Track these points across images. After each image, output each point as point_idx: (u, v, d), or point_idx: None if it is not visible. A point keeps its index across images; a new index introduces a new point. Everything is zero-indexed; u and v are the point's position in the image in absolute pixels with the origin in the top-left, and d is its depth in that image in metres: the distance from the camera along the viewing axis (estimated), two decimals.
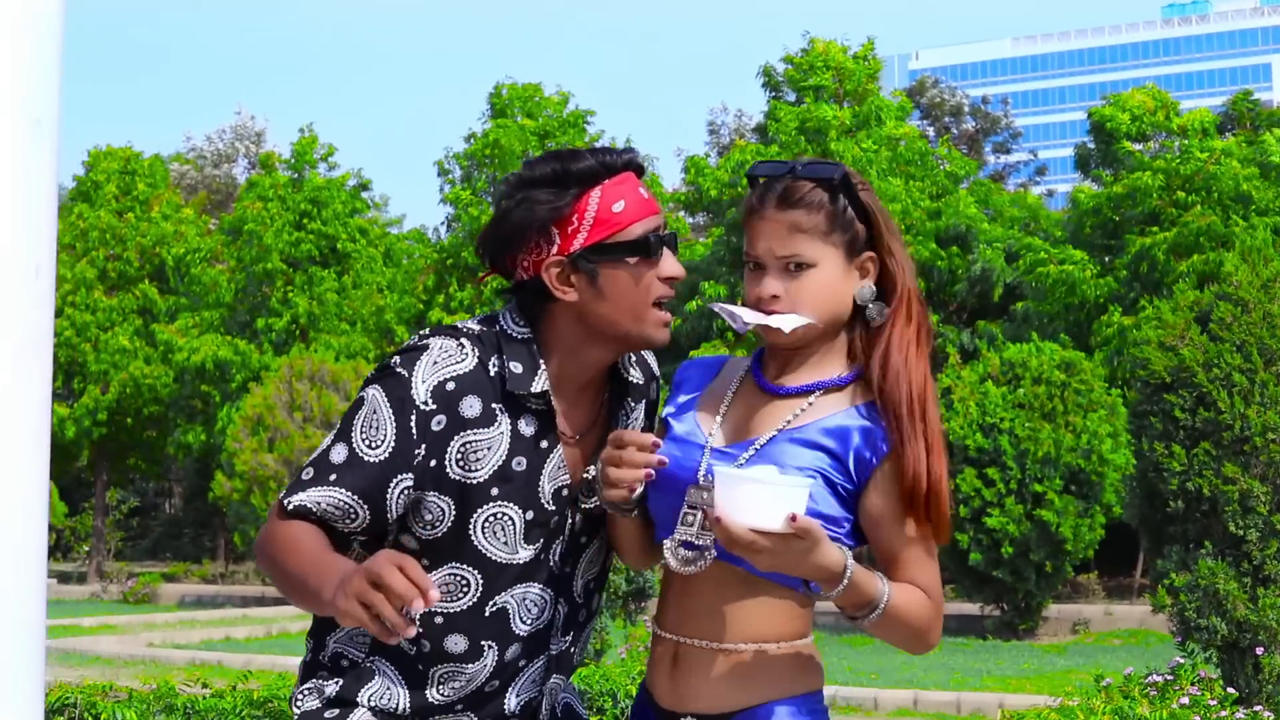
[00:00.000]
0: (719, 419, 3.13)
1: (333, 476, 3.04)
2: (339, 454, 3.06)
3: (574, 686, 3.61)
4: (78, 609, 31.61)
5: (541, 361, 3.15)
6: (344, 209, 38.60)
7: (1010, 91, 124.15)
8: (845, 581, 2.87)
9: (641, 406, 3.36)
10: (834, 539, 2.93)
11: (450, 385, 3.08)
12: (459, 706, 3.21)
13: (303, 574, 2.92)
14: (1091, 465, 23.63)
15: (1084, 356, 25.63)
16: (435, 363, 3.09)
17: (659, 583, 3.39)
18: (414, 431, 3.05)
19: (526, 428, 3.14)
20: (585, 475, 3.20)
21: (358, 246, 38.65)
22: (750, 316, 3.07)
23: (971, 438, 24.03)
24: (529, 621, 3.20)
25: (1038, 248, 32.21)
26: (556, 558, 3.22)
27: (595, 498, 3.19)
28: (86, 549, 42.23)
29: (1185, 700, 10.08)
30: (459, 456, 3.09)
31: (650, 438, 2.98)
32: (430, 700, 3.19)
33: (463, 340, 3.15)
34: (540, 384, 3.13)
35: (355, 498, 3.05)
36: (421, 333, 3.19)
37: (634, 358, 3.33)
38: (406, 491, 3.07)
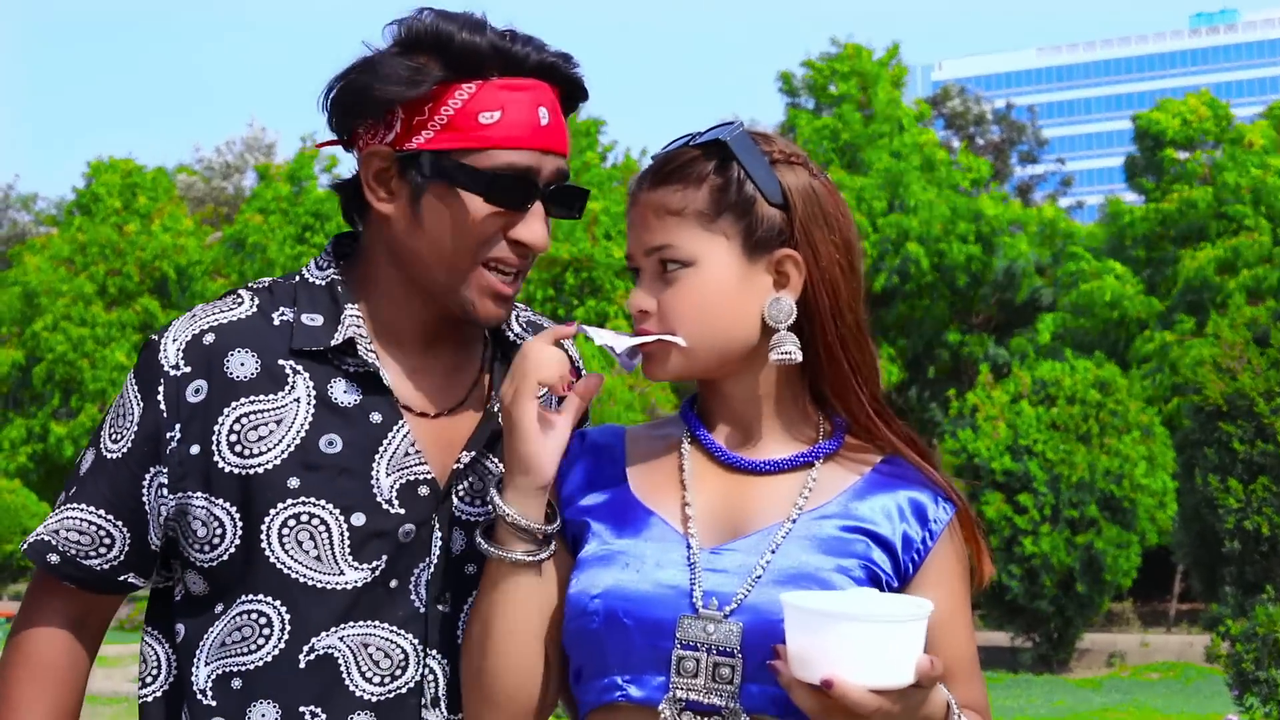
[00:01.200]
0: (686, 506, 2.22)
1: (74, 490, 2.31)
2: (86, 462, 2.33)
3: None
4: None
5: (348, 307, 2.32)
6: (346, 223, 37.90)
7: (1036, 102, 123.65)
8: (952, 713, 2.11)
9: None
10: None
11: (209, 338, 2.28)
12: None
13: None
14: (1124, 491, 22.66)
15: (1120, 374, 24.73)
16: (194, 317, 2.32)
17: None
18: (163, 408, 2.27)
19: (344, 395, 2.29)
20: (457, 464, 2.32)
21: None
22: (620, 344, 2.20)
23: (999, 460, 23.09)
24: (377, 680, 2.25)
25: (1079, 257, 31.28)
26: (419, 588, 2.29)
27: (478, 503, 2.33)
28: None
29: None
30: (232, 437, 2.25)
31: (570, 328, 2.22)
32: None
33: (240, 292, 2.35)
34: (343, 334, 2.29)
35: (102, 514, 2.27)
36: None
37: (524, 319, 2.50)
38: (162, 494, 2.27)
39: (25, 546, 2.30)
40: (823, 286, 2.22)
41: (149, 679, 2.36)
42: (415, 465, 2.30)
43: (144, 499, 2.27)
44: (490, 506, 2.22)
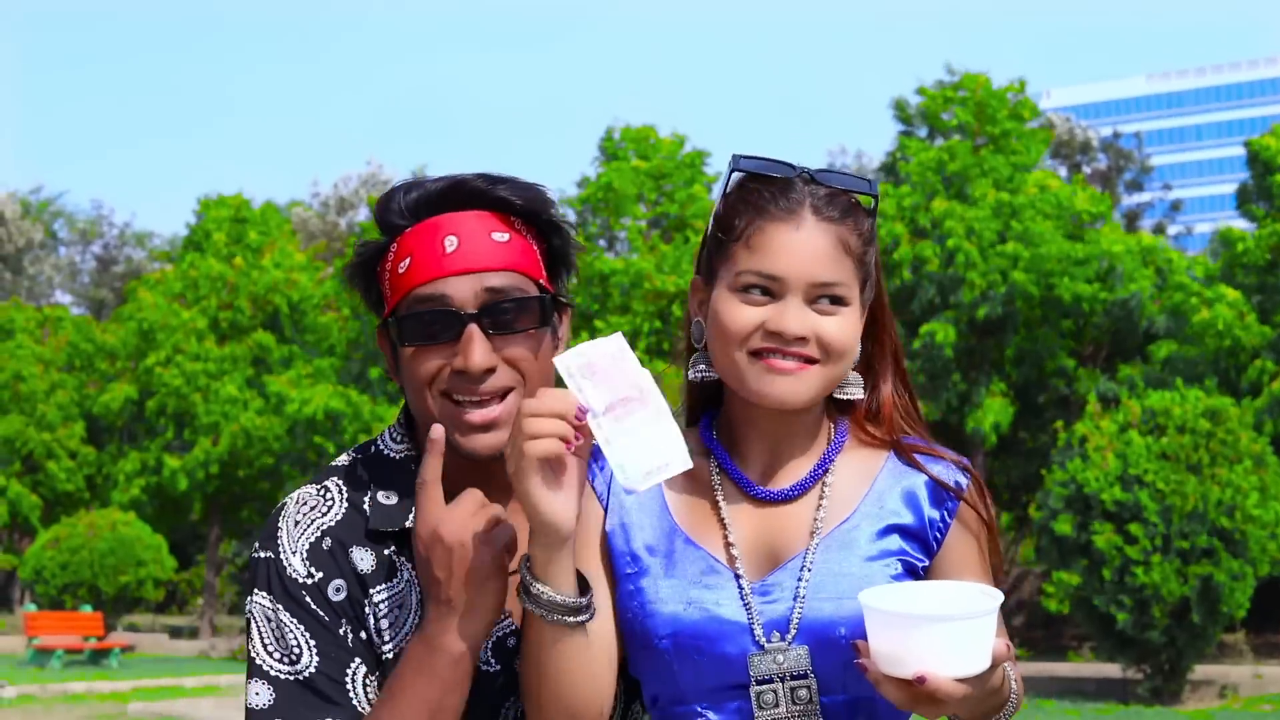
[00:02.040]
0: (729, 543, 2.34)
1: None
2: (266, 698, 2.36)
3: None
4: (183, 668, 31.45)
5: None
6: None
7: (1145, 129, 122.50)
8: (1011, 702, 2.28)
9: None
10: None
11: (326, 542, 2.41)
12: None
13: (400, 707, 2.30)
14: (1235, 523, 22.37)
15: (1232, 403, 24.39)
16: (296, 524, 2.44)
17: None
18: (321, 613, 2.38)
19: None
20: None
21: None
22: (679, 459, 2.18)
23: (1108, 491, 22.88)
24: None
25: (1188, 288, 30.89)
26: (515, 717, 2.46)
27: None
28: (200, 603, 42.10)
29: None
30: (379, 626, 2.41)
31: (572, 401, 2.19)
32: None
33: (325, 484, 2.50)
34: (414, 517, 2.38)
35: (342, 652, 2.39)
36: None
37: None
38: (370, 681, 2.39)
39: None
40: (887, 325, 2.44)
41: None
42: (502, 621, 2.45)
43: (351, 694, 2.38)
44: (523, 580, 2.29)
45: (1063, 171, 47.82)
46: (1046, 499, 24.46)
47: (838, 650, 2.26)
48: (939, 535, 2.38)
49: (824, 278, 2.31)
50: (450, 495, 2.36)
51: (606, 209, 36.34)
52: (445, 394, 2.40)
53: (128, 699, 24.17)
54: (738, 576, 2.31)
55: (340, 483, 2.48)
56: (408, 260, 2.37)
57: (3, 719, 21.40)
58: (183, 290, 40.58)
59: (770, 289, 2.32)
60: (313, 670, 2.36)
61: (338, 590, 2.39)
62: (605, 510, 2.38)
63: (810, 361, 2.31)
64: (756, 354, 2.31)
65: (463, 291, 2.35)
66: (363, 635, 2.39)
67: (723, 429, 2.44)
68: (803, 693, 2.27)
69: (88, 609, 34.49)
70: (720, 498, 2.37)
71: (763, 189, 2.35)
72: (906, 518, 2.37)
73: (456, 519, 2.28)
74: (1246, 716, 21.66)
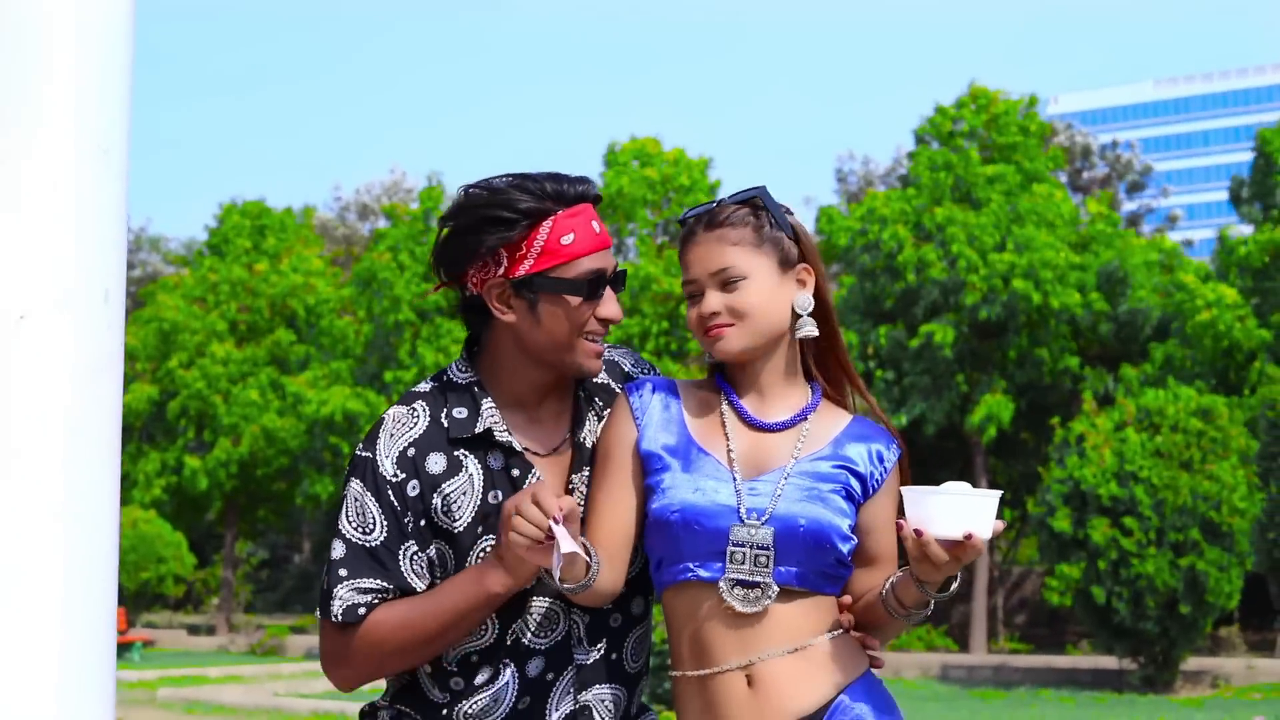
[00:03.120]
0: (730, 453, 3.25)
1: (342, 572, 3.20)
2: (341, 551, 3.22)
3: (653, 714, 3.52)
4: (204, 660, 32.00)
5: (484, 402, 3.28)
6: None
7: (1153, 135, 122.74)
8: (957, 579, 3.14)
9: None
10: (852, 549, 3.23)
11: (410, 451, 3.24)
12: None
13: (445, 605, 3.13)
14: (1222, 516, 23.06)
15: (1222, 401, 25.05)
16: (391, 435, 3.25)
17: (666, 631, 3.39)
18: (396, 504, 3.21)
19: (495, 462, 3.26)
20: (569, 485, 3.32)
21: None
22: (566, 545, 3.03)
23: (1105, 486, 23.58)
24: (543, 635, 3.26)
25: (1191, 289, 31.50)
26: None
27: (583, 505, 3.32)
28: (216, 602, 42.65)
29: None
30: (443, 510, 3.22)
31: (553, 502, 3.02)
32: None
33: (414, 404, 3.30)
34: (482, 424, 3.26)
35: (378, 581, 3.19)
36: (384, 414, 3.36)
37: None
38: (416, 556, 3.22)
39: (341, 617, 3.17)
40: (822, 289, 3.31)
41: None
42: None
43: (402, 564, 3.21)
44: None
45: (1062, 177, 48.31)
46: (1045, 495, 25.11)
47: (794, 537, 3.15)
48: (874, 485, 3.29)
49: (714, 267, 3.23)
50: (531, 408, 3.30)
51: (615, 214, 36.95)
52: (585, 334, 3.25)
53: (155, 686, 24.83)
54: (734, 476, 3.20)
55: (424, 404, 3.29)
56: (572, 235, 3.20)
57: None
58: (203, 294, 41.24)
59: (693, 291, 3.28)
60: (378, 542, 3.18)
61: (413, 489, 3.20)
62: (638, 427, 3.27)
63: (728, 325, 3.22)
64: (704, 331, 3.28)
65: (609, 262, 3.27)
66: (422, 523, 3.20)
67: (728, 377, 3.37)
68: (762, 559, 3.14)
69: None
70: (725, 421, 3.28)
71: (684, 230, 3.38)
72: (857, 465, 3.27)
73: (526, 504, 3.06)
74: (1236, 704, 22.01)
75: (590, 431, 3.36)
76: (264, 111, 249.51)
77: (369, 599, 3.18)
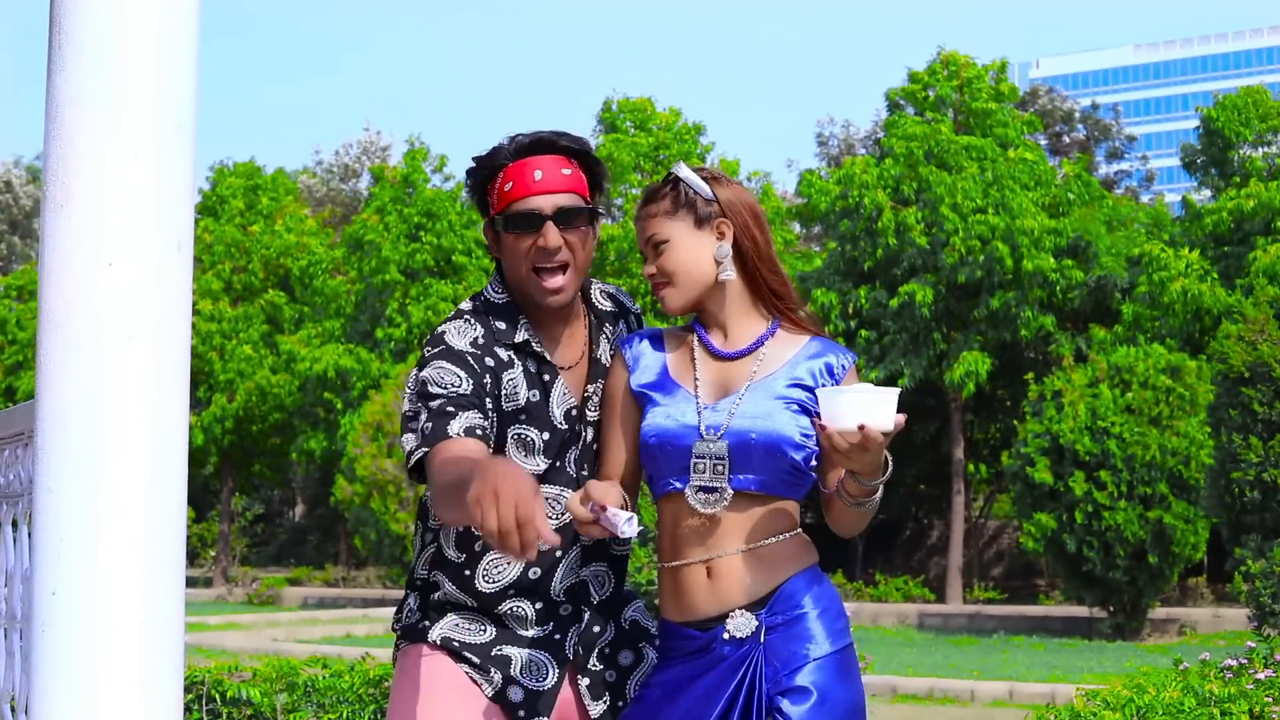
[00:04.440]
0: (696, 382, 3.73)
1: (451, 408, 3.55)
2: (436, 404, 3.58)
3: (640, 604, 4.02)
4: (204, 609, 32.36)
5: (520, 317, 3.81)
6: (459, 220, 39.22)
7: (1133, 99, 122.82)
8: (889, 468, 3.52)
9: (621, 328, 3.99)
10: (808, 456, 3.65)
11: (480, 340, 3.76)
12: (511, 592, 3.78)
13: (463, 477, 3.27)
14: (1190, 472, 23.80)
15: (1188, 358, 25.73)
16: (459, 333, 3.76)
17: (655, 527, 4.05)
18: (475, 367, 3.67)
19: (531, 367, 3.79)
20: (586, 393, 3.84)
21: (471, 259, 39.25)
22: (628, 527, 3.42)
23: (1081, 441, 24.26)
24: (554, 517, 3.73)
25: (1162, 260, 32.19)
26: (572, 464, 3.82)
27: (596, 410, 3.85)
28: (213, 554, 43.12)
29: (1260, 677, 10.33)
30: (507, 390, 3.74)
31: (598, 495, 3.41)
32: (480, 589, 3.78)
33: (465, 317, 3.80)
34: (520, 335, 3.79)
35: (479, 417, 3.57)
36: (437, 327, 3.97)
37: (601, 291, 4.03)
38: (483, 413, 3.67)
39: (457, 433, 3.49)
40: (744, 236, 3.76)
41: (420, 546, 3.91)
42: (568, 399, 3.81)
43: (487, 400, 3.67)
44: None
45: (1042, 141, 48.90)
46: (1020, 448, 25.73)
47: (748, 448, 3.60)
48: None
49: (645, 235, 3.78)
50: (551, 324, 3.82)
51: (607, 179, 37.20)
52: (533, 270, 3.72)
53: None
54: (697, 399, 3.68)
55: (471, 318, 3.78)
56: (510, 184, 3.71)
57: None
58: (198, 254, 41.69)
59: (644, 257, 3.86)
60: (471, 388, 3.62)
61: (490, 362, 3.70)
62: (629, 371, 3.77)
63: (665, 285, 3.74)
64: (654, 290, 3.80)
65: (545, 204, 3.72)
66: (492, 389, 3.68)
67: (701, 319, 3.84)
68: (719, 468, 3.61)
69: None
70: (695, 356, 3.76)
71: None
72: (807, 380, 3.68)
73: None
74: (1201, 649, 22.45)
75: (603, 351, 3.88)
76: (247, 71, 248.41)
77: (481, 423, 3.56)
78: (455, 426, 3.50)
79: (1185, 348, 31.02)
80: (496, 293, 3.85)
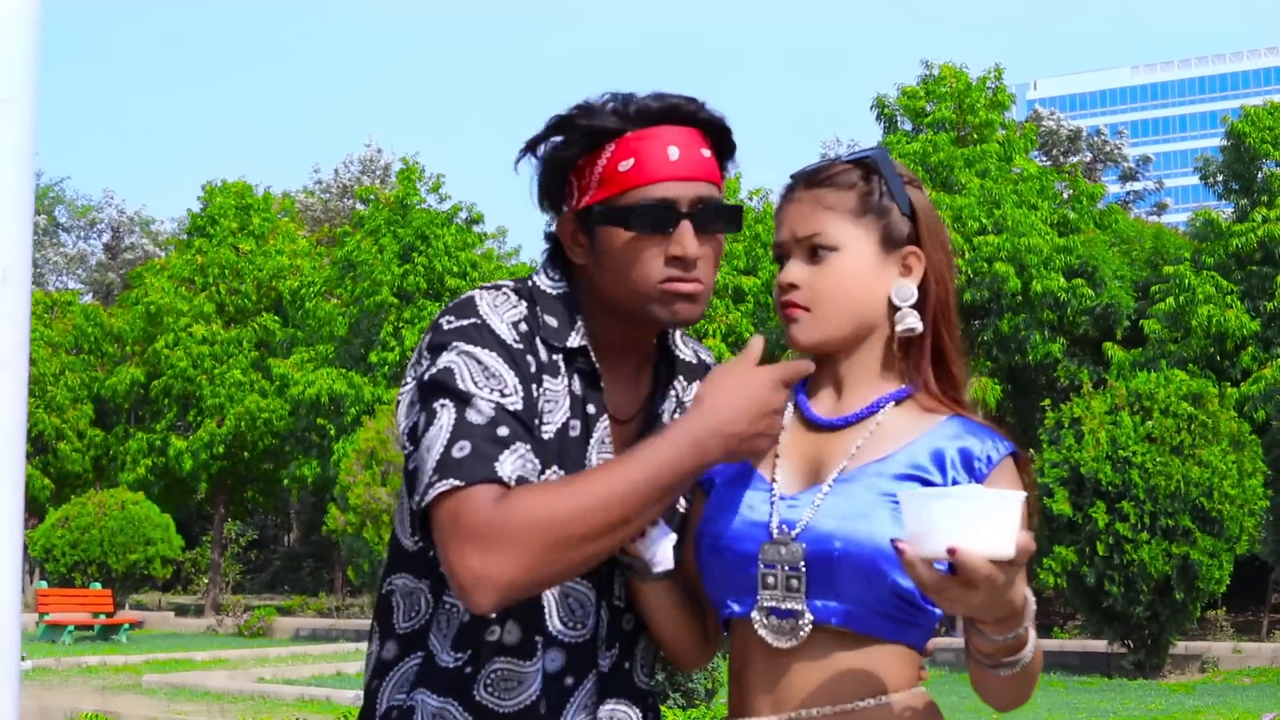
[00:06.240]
0: (778, 463, 2.69)
1: (503, 432, 2.54)
2: (478, 415, 2.55)
3: None
4: (192, 643, 31.89)
5: (578, 317, 2.77)
6: (454, 242, 38.60)
7: (1130, 120, 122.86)
8: (1027, 620, 2.40)
9: (693, 390, 2.91)
10: None
11: (523, 326, 2.70)
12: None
13: (635, 469, 2.48)
14: (1214, 503, 23.07)
15: (1210, 384, 25.06)
16: (495, 306, 2.70)
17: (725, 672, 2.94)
18: (517, 371, 2.63)
19: (577, 388, 2.74)
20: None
21: (466, 281, 38.61)
22: (659, 549, 2.64)
23: (1103, 471, 23.54)
24: (570, 625, 2.72)
25: (1187, 282, 31.49)
26: None
27: None
28: (205, 582, 42.63)
29: None
30: (542, 409, 2.70)
31: None
32: (480, 701, 2.69)
33: (503, 290, 2.77)
34: (577, 339, 2.75)
35: (530, 454, 2.59)
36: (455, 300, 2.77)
37: (682, 335, 2.96)
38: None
39: (509, 479, 2.48)
40: (933, 278, 2.70)
41: (403, 615, 2.79)
42: (606, 452, 2.75)
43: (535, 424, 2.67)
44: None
45: (1046, 162, 48.48)
46: (1037, 478, 25.08)
47: (829, 560, 2.53)
48: None
49: (803, 231, 2.72)
50: (614, 361, 2.79)
51: None
52: (660, 278, 2.70)
53: (141, 671, 24.62)
54: (771, 486, 2.64)
55: (511, 293, 2.76)
56: (631, 161, 2.68)
57: (23, 691, 21.81)
58: (189, 275, 41.07)
59: (779, 254, 2.77)
60: (519, 406, 2.60)
61: (530, 364, 2.67)
62: None
63: (804, 309, 2.69)
64: (782, 307, 2.73)
65: (685, 194, 2.69)
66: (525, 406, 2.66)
67: (813, 375, 2.77)
68: (794, 583, 2.56)
69: (97, 586, 35.17)
70: (784, 426, 2.71)
71: (785, 186, 2.84)
72: (932, 474, 2.58)
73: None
74: (1226, 689, 21.88)
75: (668, 408, 2.85)
76: (243, 92, 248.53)
77: (536, 468, 2.59)
78: (507, 466, 2.49)
79: (1207, 372, 30.36)
80: (551, 282, 2.80)
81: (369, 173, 61.32)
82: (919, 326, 2.67)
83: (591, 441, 2.73)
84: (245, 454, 40.85)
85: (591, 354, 2.74)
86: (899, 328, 2.67)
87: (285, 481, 40.87)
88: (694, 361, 2.93)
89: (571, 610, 2.72)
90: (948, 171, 33.45)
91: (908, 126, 35.86)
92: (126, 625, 33.38)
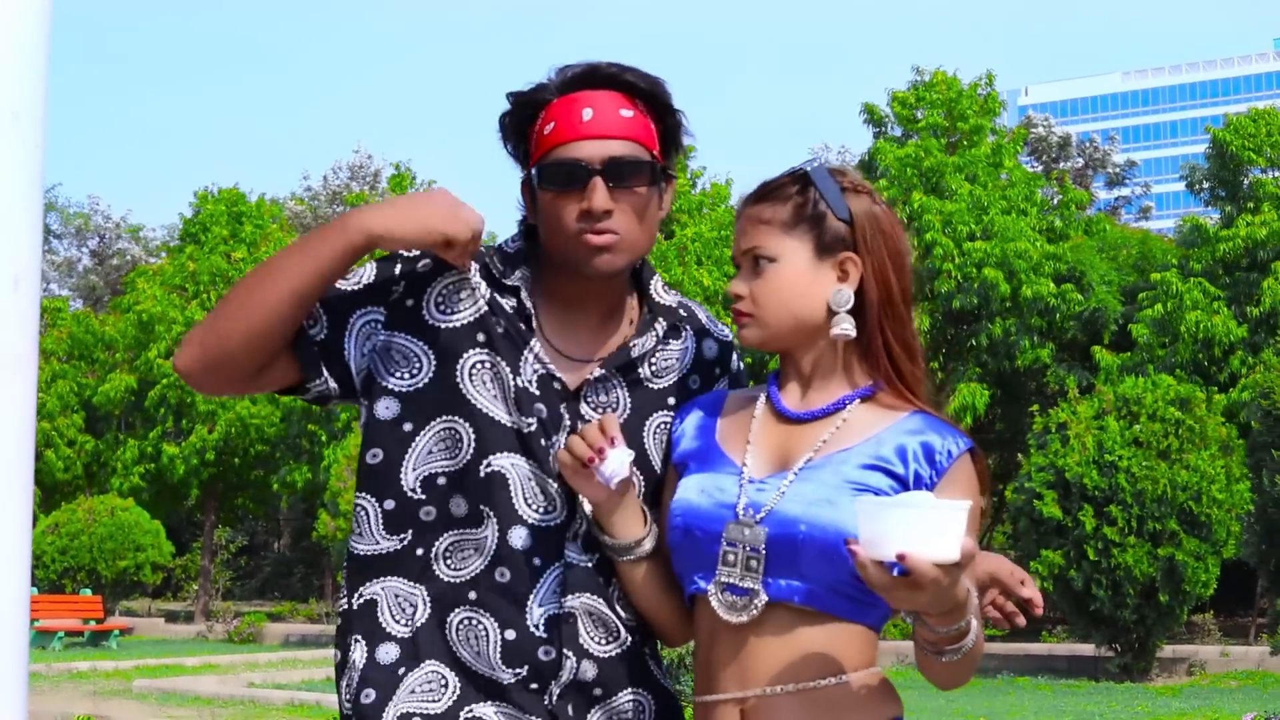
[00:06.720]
0: (748, 449, 2.84)
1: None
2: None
3: (650, 676, 3.01)
4: (182, 648, 31.89)
5: (523, 268, 3.00)
6: None
7: (1121, 126, 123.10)
8: (970, 612, 2.59)
9: (687, 343, 3.08)
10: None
11: (474, 264, 3.01)
12: (472, 595, 2.89)
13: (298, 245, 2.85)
14: (1201, 507, 23.14)
15: (1198, 389, 25.12)
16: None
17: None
18: (396, 270, 2.96)
19: (505, 303, 2.97)
20: (589, 375, 2.95)
21: None
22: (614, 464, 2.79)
23: (1089, 475, 23.60)
24: (536, 508, 2.87)
25: (1175, 289, 31.61)
26: (533, 491, 2.92)
27: (599, 410, 2.96)
28: (195, 588, 42.58)
29: None
30: (439, 300, 2.95)
31: (609, 420, 2.79)
32: (440, 577, 2.90)
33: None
34: (515, 280, 2.98)
35: (318, 306, 2.92)
36: None
37: (665, 286, 3.12)
38: (373, 324, 2.94)
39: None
40: (875, 282, 2.82)
41: (360, 531, 2.98)
42: (549, 364, 2.92)
43: (351, 318, 2.93)
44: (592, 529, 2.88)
45: (1037, 168, 48.57)
46: (1025, 482, 25.10)
47: (793, 543, 2.67)
48: (926, 488, 2.73)
49: (745, 244, 2.90)
50: (567, 309, 2.99)
51: None
52: (576, 231, 2.87)
53: (131, 676, 24.65)
54: (741, 472, 2.78)
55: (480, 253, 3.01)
56: (551, 125, 2.87)
57: None
58: (181, 283, 41.08)
59: (735, 265, 2.93)
60: (351, 289, 2.97)
61: (424, 266, 2.97)
62: (674, 443, 2.93)
63: (748, 315, 2.86)
64: (734, 314, 2.89)
65: (594, 153, 2.86)
66: (409, 302, 2.96)
67: (780, 373, 2.96)
68: (753, 563, 2.69)
69: (87, 592, 35.20)
70: (756, 415, 2.87)
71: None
72: (895, 465, 2.73)
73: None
74: (1212, 692, 21.95)
75: (643, 346, 2.99)
76: (231, 100, 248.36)
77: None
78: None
79: (1194, 377, 30.45)
80: (512, 241, 3.06)
81: (358, 179, 61.23)
82: (851, 331, 2.80)
83: (528, 348, 2.93)
84: (236, 460, 40.85)
85: (524, 292, 2.95)
86: (832, 332, 2.81)
87: (275, 487, 40.87)
88: (673, 305, 3.07)
89: (536, 495, 2.88)
90: (938, 177, 33.50)
91: (898, 132, 35.91)
92: (116, 631, 33.40)
